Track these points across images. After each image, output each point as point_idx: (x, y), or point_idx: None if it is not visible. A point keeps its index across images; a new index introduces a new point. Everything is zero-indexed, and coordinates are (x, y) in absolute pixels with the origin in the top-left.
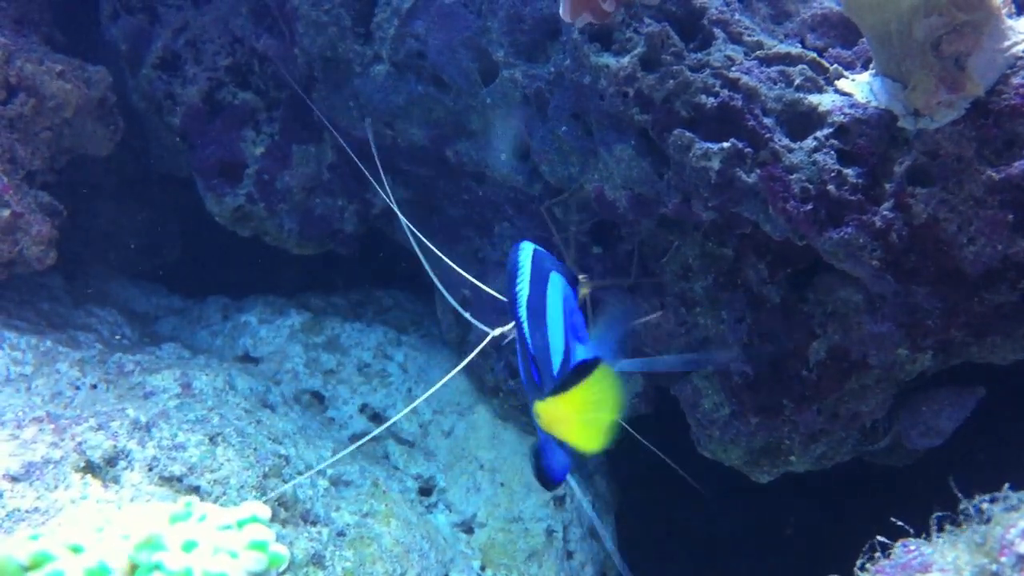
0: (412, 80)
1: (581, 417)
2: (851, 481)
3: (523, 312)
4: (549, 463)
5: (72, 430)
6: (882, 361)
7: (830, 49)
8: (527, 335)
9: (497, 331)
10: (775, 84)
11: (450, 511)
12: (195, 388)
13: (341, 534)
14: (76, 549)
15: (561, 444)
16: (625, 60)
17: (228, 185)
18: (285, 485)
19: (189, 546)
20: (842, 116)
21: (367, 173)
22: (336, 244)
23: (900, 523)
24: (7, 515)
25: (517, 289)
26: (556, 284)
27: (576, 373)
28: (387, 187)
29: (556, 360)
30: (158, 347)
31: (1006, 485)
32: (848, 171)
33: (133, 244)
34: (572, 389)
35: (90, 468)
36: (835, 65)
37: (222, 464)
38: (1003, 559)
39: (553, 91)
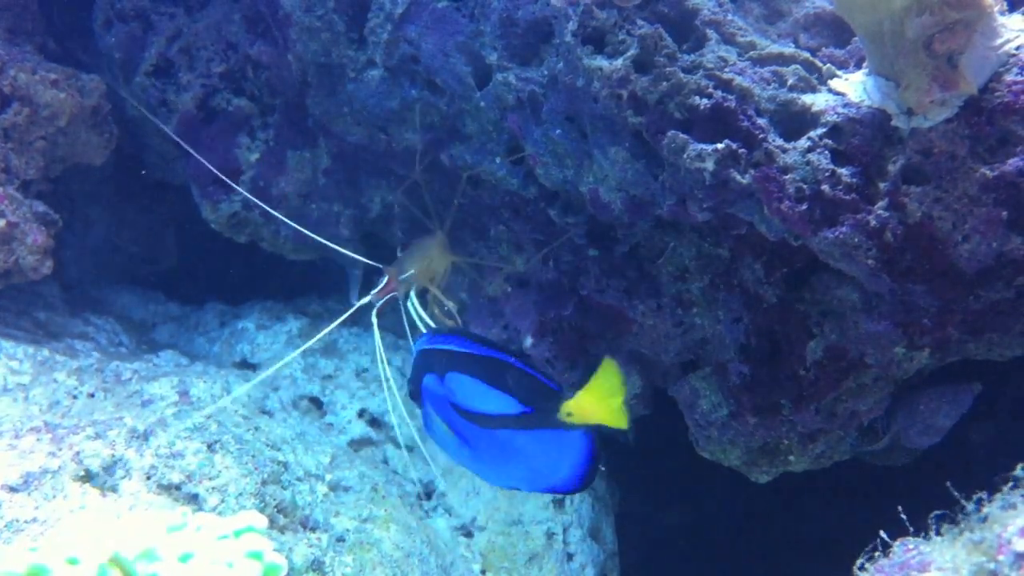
0: (406, 85)
1: (607, 403)
2: (851, 481)
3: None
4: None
5: (70, 439)
6: (879, 360)
7: (823, 48)
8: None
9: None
10: (768, 84)
11: (450, 515)
12: (193, 395)
13: (340, 540)
14: (72, 561)
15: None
16: (618, 62)
17: (223, 192)
18: (284, 491)
19: (185, 557)
20: (836, 116)
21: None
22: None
23: (898, 522)
24: (6, 525)
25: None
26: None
27: (588, 371)
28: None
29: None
30: (155, 355)
31: (1006, 483)
32: (842, 171)
33: (129, 252)
34: (593, 382)
35: (88, 477)
36: (828, 64)
37: (220, 471)
38: (1001, 557)
39: (547, 94)
